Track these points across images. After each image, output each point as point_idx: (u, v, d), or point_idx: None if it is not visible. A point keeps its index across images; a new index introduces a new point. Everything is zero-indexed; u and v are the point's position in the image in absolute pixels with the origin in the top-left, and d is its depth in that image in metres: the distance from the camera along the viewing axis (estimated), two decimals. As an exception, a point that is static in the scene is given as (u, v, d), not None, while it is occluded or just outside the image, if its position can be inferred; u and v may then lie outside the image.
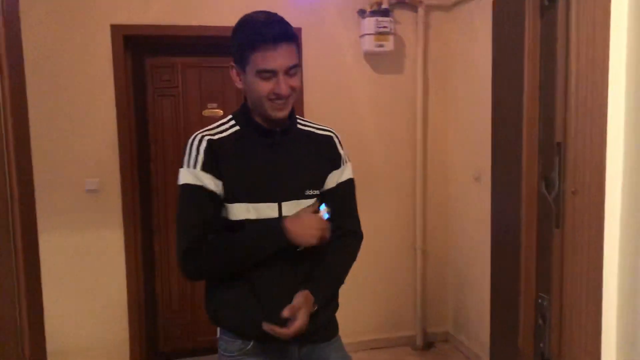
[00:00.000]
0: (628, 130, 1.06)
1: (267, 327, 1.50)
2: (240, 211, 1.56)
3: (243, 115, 1.63)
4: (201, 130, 1.61)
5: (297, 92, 1.56)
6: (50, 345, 1.65)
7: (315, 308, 1.52)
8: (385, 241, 3.80)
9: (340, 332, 1.75)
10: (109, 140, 3.33)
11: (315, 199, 1.62)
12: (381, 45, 3.55)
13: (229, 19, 1.70)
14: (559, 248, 1.06)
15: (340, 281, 1.69)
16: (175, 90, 3.54)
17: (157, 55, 3.50)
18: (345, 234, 1.71)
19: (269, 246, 1.54)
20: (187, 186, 1.55)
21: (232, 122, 1.63)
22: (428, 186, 3.88)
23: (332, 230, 1.63)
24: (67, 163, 3.30)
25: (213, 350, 3.46)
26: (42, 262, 1.54)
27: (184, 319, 3.68)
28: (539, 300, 1.10)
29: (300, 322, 1.49)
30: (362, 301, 3.81)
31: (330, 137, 1.71)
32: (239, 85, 1.57)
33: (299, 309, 1.51)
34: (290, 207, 1.60)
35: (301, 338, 1.63)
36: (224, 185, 1.56)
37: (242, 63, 1.52)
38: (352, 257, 1.73)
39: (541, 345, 1.11)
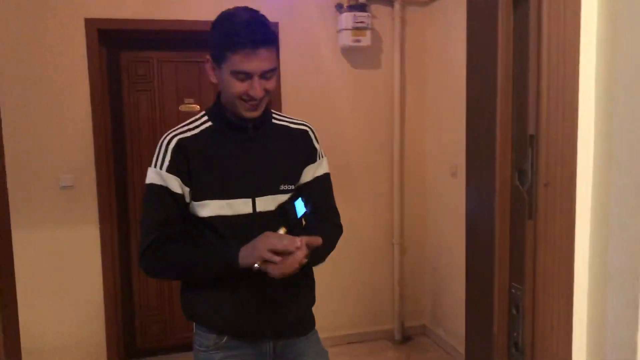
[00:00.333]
0: (598, 123, 1.08)
1: (267, 255, 1.46)
2: (214, 208, 1.56)
3: (216, 111, 1.62)
4: (174, 129, 1.60)
5: (271, 94, 1.56)
6: (25, 344, 1.63)
7: (304, 262, 1.50)
8: (363, 236, 3.82)
9: (319, 327, 1.76)
10: (84, 136, 3.29)
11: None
12: (358, 41, 3.56)
13: (205, 13, 1.69)
14: (532, 239, 1.07)
15: (327, 251, 1.67)
16: (151, 85, 3.51)
17: (133, 50, 3.46)
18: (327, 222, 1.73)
19: (218, 271, 1.54)
20: (152, 186, 1.56)
21: (205, 118, 1.62)
22: (405, 182, 3.91)
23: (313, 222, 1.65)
24: (41, 159, 3.25)
25: (190, 347, 3.45)
26: (16, 259, 1.52)
27: (161, 316, 3.66)
28: (512, 290, 1.12)
29: (301, 253, 1.47)
30: (341, 296, 3.83)
31: (306, 131, 1.71)
32: (213, 80, 1.56)
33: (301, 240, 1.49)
34: (264, 202, 1.60)
35: (276, 333, 1.64)
36: (196, 182, 1.56)
37: (218, 60, 1.51)
38: (335, 239, 1.73)
39: (515, 334, 1.13)
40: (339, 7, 3.60)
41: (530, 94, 1.05)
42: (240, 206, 1.58)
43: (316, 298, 1.74)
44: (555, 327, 1.08)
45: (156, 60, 3.49)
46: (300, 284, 1.67)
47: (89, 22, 3.22)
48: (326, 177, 1.73)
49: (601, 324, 1.10)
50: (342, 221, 1.77)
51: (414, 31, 3.82)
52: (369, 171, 3.84)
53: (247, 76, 1.48)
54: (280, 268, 1.45)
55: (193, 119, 1.63)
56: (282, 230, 1.53)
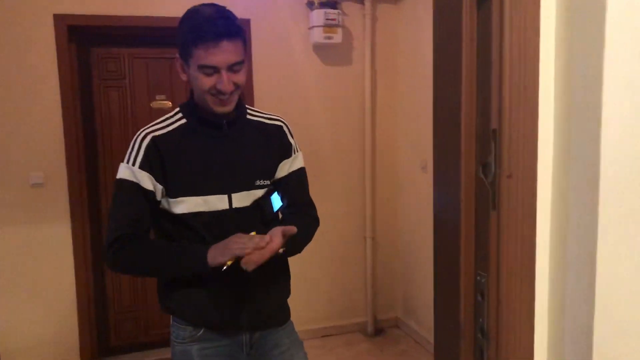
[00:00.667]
0: (557, 118, 1.14)
1: (239, 251, 1.46)
2: (189, 205, 1.57)
3: (190, 107, 1.63)
4: (148, 126, 1.61)
5: (242, 88, 1.56)
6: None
7: (281, 251, 1.51)
8: (335, 231, 3.87)
9: (294, 321, 1.79)
10: (54, 133, 3.25)
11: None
12: (330, 37, 3.60)
13: (175, 9, 1.70)
14: (496, 228, 1.13)
15: (304, 241, 1.69)
16: (122, 81, 3.48)
17: (103, 46, 3.44)
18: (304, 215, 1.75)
19: (186, 271, 1.55)
20: (123, 181, 1.56)
21: (179, 115, 1.63)
22: (377, 177, 3.96)
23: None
24: (10, 157, 3.21)
25: (165, 343, 3.44)
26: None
27: (135, 313, 3.64)
28: (478, 278, 1.17)
29: (276, 241, 1.48)
30: (314, 290, 3.87)
31: (280, 126, 1.73)
32: (183, 77, 1.57)
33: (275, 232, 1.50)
34: (240, 198, 1.62)
35: (252, 325, 1.67)
36: (171, 179, 1.56)
37: (185, 56, 1.52)
38: (312, 232, 1.75)
39: (480, 320, 1.18)
40: (310, 5, 3.63)
41: (492, 90, 1.10)
42: (216, 202, 1.59)
43: (291, 292, 1.78)
44: (518, 312, 1.14)
45: (127, 56, 3.47)
46: (276, 277, 1.70)
47: (58, 18, 3.19)
48: (302, 171, 1.76)
49: (561, 307, 1.15)
50: None
51: (385, 28, 3.87)
52: (341, 166, 3.88)
53: (214, 70, 1.48)
54: (252, 258, 1.44)
55: (167, 116, 1.64)
56: (253, 233, 1.53)
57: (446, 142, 1.21)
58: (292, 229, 1.51)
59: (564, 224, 1.14)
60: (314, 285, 3.86)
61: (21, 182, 3.23)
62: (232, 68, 1.50)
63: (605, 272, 1.08)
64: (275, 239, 1.47)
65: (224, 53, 1.47)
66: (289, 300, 1.79)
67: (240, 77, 1.54)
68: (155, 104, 3.53)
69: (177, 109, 1.65)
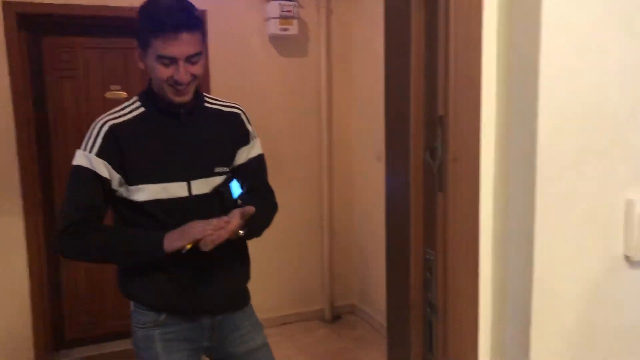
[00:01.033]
0: (499, 104, 1.22)
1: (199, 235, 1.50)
2: (149, 192, 1.59)
3: (148, 96, 1.64)
4: (106, 114, 1.62)
5: (199, 79, 1.59)
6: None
7: (241, 234, 1.55)
8: (292, 220, 3.92)
9: (254, 309, 1.84)
10: (6, 125, 3.18)
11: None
12: (286, 29, 3.63)
13: (131, -1, 1.71)
14: (442, 209, 1.20)
15: (263, 225, 1.73)
16: (76, 72, 3.43)
17: (56, 35, 3.37)
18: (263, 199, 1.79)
19: (141, 256, 1.58)
20: (79, 168, 1.57)
21: (138, 103, 1.65)
22: (333, 167, 4.03)
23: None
24: (-42, 148, 3.12)
25: (122, 335, 3.43)
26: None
27: (92, 305, 3.61)
28: (427, 256, 1.25)
29: (235, 222, 1.51)
30: (272, 279, 3.92)
31: (238, 114, 1.77)
32: (141, 66, 1.59)
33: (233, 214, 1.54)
34: (200, 185, 1.65)
35: (213, 309, 1.71)
36: (131, 168, 1.58)
37: (144, 46, 1.53)
38: (271, 216, 1.80)
39: (429, 295, 1.26)
40: (267, -4, 3.65)
41: (439, 80, 1.18)
42: (176, 190, 1.62)
43: (251, 281, 1.82)
44: (464, 286, 1.22)
45: (80, 46, 3.42)
46: (236, 261, 1.74)
47: (7, 5, 3.11)
48: (260, 157, 1.80)
49: (503, 280, 1.25)
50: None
51: (340, 21, 3.93)
52: (298, 157, 3.93)
53: (171, 61, 1.50)
54: (211, 237, 1.47)
55: (125, 104, 1.65)
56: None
57: (397, 129, 1.28)
58: (250, 209, 1.55)
59: (505, 204, 1.23)
60: (272, 274, 3.91)
61: (-29, 174, 3.15)
62: (190, 59, 1.53)
63: (542, 247, 1.17)
64: (234, 220, 1.51)
65: (182, 45, 1.49)
66: (248, 287, 1.84)
67: (197, 69, 1.56)
68: (109, 95, 3.49)
69: (136, 98, 1.66)
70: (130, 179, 1.58)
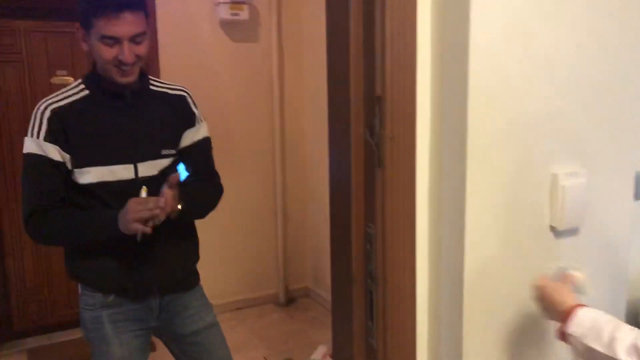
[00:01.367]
0: (433, 85, 1.29)
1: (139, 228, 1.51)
2: (95, 175, 1.59)
3: (92, 79, 1.63)
4: (48, 98, 1.60)
5: (144, 59, 1.59)
6: None
7: (179, 209, 1.56)
8: (246, 205, 3.94)
9: (207, 294, 1.86)
10: (-56, 110, 3.08)
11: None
12: (236, 14, 3.63)
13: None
14: (381, 184, 1.27)
15: (206, 205, 1.76)
16: (18, 56, 3.33)
17: (-4, 18, 3.27)
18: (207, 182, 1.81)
19: (102, 236, 1.58)
20: (30, 155, 1.57)
21: (82, 86, 1.63)
22: (286, 152, 4.07)
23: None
24: None
25: (74, 323, 3.38)
26: None
27: (40, 295, 3.54)
28: (367, 229, 1.31)
29: (167, 197, 1.52)
30: (226, 264, 3.94)
31: (184, 96, 1.78)
32: (85, 48, 1.57)
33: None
34: (147, 168, 1.66)
35: (162, 289, 1.73)
36: (75, 150, 1.58)
37: (86, 27, 1.52)
38: (215, 197, 1.82)
39: (370, 266, 1.32)
40: (216, -20, 3.63)
41: (376, 61, 1.23)
42: (122, 172, 1.62)
43: (204, 267, 1.84)
44: (402, 257, 1.29)
45: (23, 30, 3.32)
46: (184, 241, 1.76)
47: (-56, -13, 3.00)
48: (206, 140, 1.82)
49: (439, 251, 1.32)
50: (225, 191, 1.86)
51: (291, 6, 3.94)
52: (251, 143, 3.95)
53: (115, 41, 1.50)
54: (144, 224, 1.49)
55: (69, 87, 1.64)
56: (143, 192, 1.55)
57: (338, 109, 1.33)
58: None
59: (439, 178, 1.30)
60: (225, 259, 3.93)
61: None
62: (134, 39, 1.52)
63: (472, 219, 1.25)
64: (167, 196, 1.51)
65: (125, 24, 1.49)
66: (201, 271, 1.86)
67: (142, 49, 1.56)
68: (56, 80, 3.42)
69: (80, 80, 1.65)
70: (76, 162, 1.58)
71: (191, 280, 1.82)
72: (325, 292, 4.04)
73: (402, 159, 1.26)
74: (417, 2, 1.23)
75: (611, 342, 1.02)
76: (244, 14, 3.65)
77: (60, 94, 1.62)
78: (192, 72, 3.67)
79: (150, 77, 1.74)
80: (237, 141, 3.89)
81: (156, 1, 3.46)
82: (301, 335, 3.60)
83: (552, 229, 1.37)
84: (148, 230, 1.49)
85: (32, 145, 1.56)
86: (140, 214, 1.47)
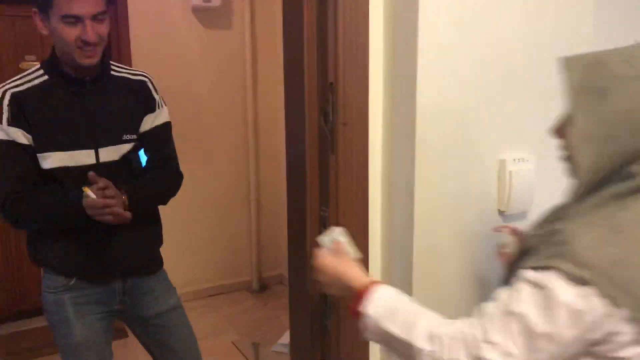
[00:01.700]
0: (386, 73, 1.32)
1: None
2: (55, 160, 1.60)
3: (51, 64, 1.63)
4: (6, 83, 1.60)
5: (105, 40, 1.59)
6: None
7: (127, 204, 1.58)
8: (220, 194, 3.95)
9: (179, 282, 1.88)
10: None
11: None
12: (208, 1, 3.62)
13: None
14: (335, 169, 1.30)
15: (157, 198, 1.78)
16: (-14, 40, 3.30)
17: (-39, 2, 3.22)
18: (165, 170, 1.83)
19: (71, 219, 1.58)
20: None
21: (41, 71, 1.63)
22: (260, 140, 4.08)
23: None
24: None
25: (42, 312, 3.38)
26: None
27: (9, 282, 3.53)
28: (321, 212, 1.35)
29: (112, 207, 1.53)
30: (200, 251, 3.95)
31: (144, 82, 1.78)
32: (44, 31, 1.56)
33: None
34: (108, 153, 1.66)
35: (124, 273, 1.75)
36: (36, 135, 1.58)
37: (45, 7, 1.51)
38: (171, 185, 1.83)
39: (324, 249, 1.36)
40: (188, -33, 3.61)
41: (329, 50, 1.26)
42: (83, 157, 1.63)
43: (178, 255, 1.86)
44: (355, 238, 1.32)
45: (-10, 14, 3.28)
46: (146, 225, 1.78)
47: None
48: (166, 125, 1.82)
49: (390, 232, 1.36)
50: (199, 180, 1.88)
51: (264, -6, 3.94)
52: (224, 131, 3.95)
53: (77, 19, 1.49)
54: (105, 219, 1.52)
55: (27, 72, 1.63)
56: (89, 192, 1.52)
57: (293, 95, 1.36)
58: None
59: (391, 162, 1.34)
60: (200, 247, 3.94)
61: None
62: (95, 17, 1.51)
63: (422, 202, 1.29)
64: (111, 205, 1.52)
65: (86, 2, 1.49)
66: (175, 258, 1.88)
67: (103, 28, 1.56)
68: (24, 65, 3.38)
69: (38, 66, 1.65)
70: (37, 146, 1.59)
71: (154, 263, 1.84)
72: (297, 279, 4.08)
73: (354, 145, 1.29)
74: (370, -8, 1.26)
75: (409, 326, 0.93)
76: (215, 1, 3.65)
77: (18, 79, 1.61)
78: (164, 59, 3.65)
79: (111, 62, 1.74)
80: (210, 129, 3.89)
81: (127, -14, 3.43)
82: (273, 322, 3.64)
83: (501, 213, 1.42)
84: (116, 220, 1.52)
85: None
86: (102, 217, 1.51)
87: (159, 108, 1.79)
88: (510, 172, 1.37)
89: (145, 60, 3.56)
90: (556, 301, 0.79)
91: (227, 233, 4.07)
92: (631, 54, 0.86)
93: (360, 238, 1.33)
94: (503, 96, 1.36)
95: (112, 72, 1.72)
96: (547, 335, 0.80)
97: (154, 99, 1.78)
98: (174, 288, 1.88)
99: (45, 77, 1.62)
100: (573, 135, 0.89)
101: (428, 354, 0.88)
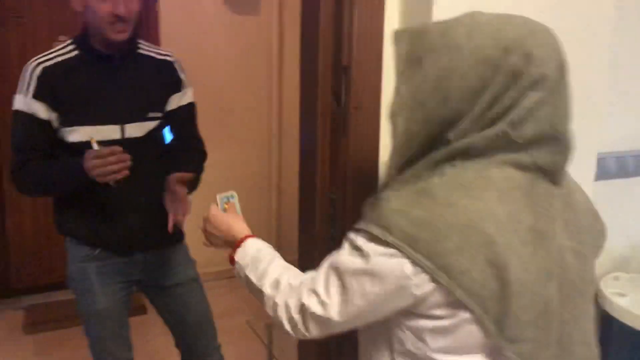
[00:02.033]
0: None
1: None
2: (82, 134, 1.65)
3: (82, 39, 1.68)
4: (38, 56, 1.66)
5: (136, 16, 1.63)
6: None
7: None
8: (241, 177, 3.98)
9: (200, 263, 1.93)
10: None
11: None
12: (237, -15, 3.64)
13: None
14: (345, 153, 1.32)
15: (198, 176, 1.83)
16: (21, 20, 3.38)
17: (-1, -20, 3.30)
18: (191, 150, 1.87)
19: (74, 183, 1.63)
20: (18, 112, 1.64)
21: (72, 46, 1.69)
22: (283, 126, 4.10)
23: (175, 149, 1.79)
24: None
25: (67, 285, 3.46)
26: None
27: (38, 254, 3.64)
28: (331, 195, 1.37)
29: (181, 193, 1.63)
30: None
31: (171, 62, 1.82)
32: (78, 7, 1.62)
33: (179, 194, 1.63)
34: (134, 129, 1.71)
35: (146, 245, 1.80)
36: (63, 109, 1.64)
37: None
38: (201, 163, 1.88)
39: (332, 230, 1.38)
40: (219, -49, 3.64)
41: (344, 32, 1.27)
42: (109, 132, 1.68)
43: (198, 237, 1.89)
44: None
45: (26, -8, 3.36)
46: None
47: (-51, -52, 3.04)
48: (191, 106, 1.87)
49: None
50: (221, 163, 1.93)
51: (293, -20, 3.94)
52: (248, 115, 3.98)
53: None
54: (102, 171, 1.52)
55: (59, 47, 1.69)
56: (94, 143, 1.56)
57: (308, 77, 1.38)
58: (189, 176, 1.64)
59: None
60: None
61: None
62: None
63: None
64: (180, 192, 1.61)
65: None
66: (195, 240, 1.91)
67: (135, 4, 1.60)
68: (57, 45, 3.46)
69: (70, 41, 1.70)
70: (64, 120, 1.64)
71: (174, 237, 1.88)
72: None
73: (365, 129, 1.31)
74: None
75: (263, 274, 1.07)
76: (245, -14, 3.66)
77: (50, 53, 1.67)
78: (191, 41, 3.69)
79: (140, 41, 1.79)
80: (234, 113, 3.92)
81: (158, -30, 3.48)
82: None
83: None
84: (117, 177, 1.53)
85: (20, 102, 1.63)
86: (97, 170, 1.51)
87: (184, 88, 1.83)
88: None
89: (173, 41, 3.60)
90: (365, 260, 0.85)
91: (247, 216, 4.09)
92: (448, 25, 0.89)
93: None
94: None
95: (140, 51, 1.77)
96: (357, 291, 0.87)
97: (179, 79, 1.82)
98: (194, 261, 1.93)
99: (76, 52, 1.67)
100: (395, 104, 0.92)
101: (268, 297, 1.02)
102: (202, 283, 1.95)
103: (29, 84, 1.62)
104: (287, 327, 0.98)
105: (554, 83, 0.84)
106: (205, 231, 1.31)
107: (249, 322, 3.35)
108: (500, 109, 0.84)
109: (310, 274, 0.99)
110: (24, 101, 1.62)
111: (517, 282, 0.82)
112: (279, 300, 0.99)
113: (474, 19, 0.87)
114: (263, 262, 1.11)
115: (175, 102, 1.81)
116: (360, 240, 0.87)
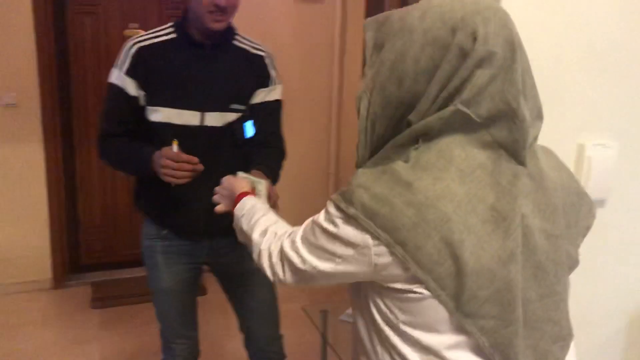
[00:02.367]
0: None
1: (163, 162, 1.61)
2: (164, 115, 1.71)
3: (181, 24, 1.74)
4: (139, 35, 1.74)
5: (237, 7, 1.67)
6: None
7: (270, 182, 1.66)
8: (300, 168, 4.00)
9: None
10: (26, 54, 3.29)
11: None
12: (302, -25, 3.65)
13: None
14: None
15: (278, 175, 1.86)
16: (96, 8, 3.52)
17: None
18: (270, 147, 1.88)
19: (140, 171, 1.74)
20: (112, 85, 1.73)
21: (171, 29, 1.75)
22: (342, 115, 4.11)
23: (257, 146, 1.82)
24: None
25: (133, 263, 3.61)
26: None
27: (106, 233, 3.81)
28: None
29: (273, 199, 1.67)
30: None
31: (263, 56, 1.85)
32: None
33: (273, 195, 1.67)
34: (213, 118, 1.74)
35: (210, 233, 1.83)
36: (150, 88, 1.70)
37: None
38: (281, 163, 1.90)
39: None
40: (285, -59, 3.65)
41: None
42: (189, 117, 1.72)
43: None
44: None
45: (100, -18, 3.50)
46: None
47: (31, -60, 3.19)
48: (277, 103, 1.89)
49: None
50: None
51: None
52: (308, 104, 4.00)
53: None
54: (170, 173, 1.58)
55: (160, 28, 1.77)
56: (175, 145, 1.61)
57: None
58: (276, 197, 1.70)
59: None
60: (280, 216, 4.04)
61: (-7, 101, 3.31)
62: None
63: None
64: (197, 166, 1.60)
65: None
66: None
67: None
68: (128, 33, 3.58)
69: (171, 23, 1.77)
70: (149, 99, 1.72)
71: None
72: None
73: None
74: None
75: (254, 224, 1.19)
76: (310, -26, 3.67)
77: (149, 33, 1.75)
78: (254, 29, 3.68)
79: (237, 33, 1.82)
80: (294, 102, 3.93)
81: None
82: (344, 292, 3.63)
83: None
84: (179, 182, 1.59)
85: (114, 76, 1.73)
86: (166, 170, 1.57)
87: (273, 84, 1.85)
88: (589, 157, 1.32)
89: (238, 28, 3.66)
90: (335, 226, 0.92)
91: (305, 204, 4.13)
92: (407, 10, 0.91)
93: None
94: (584, 78, 1.30)
95: (235, 42, 1.81)
96: (328, 250, 0.94)
97: (269, 75, 1.84)
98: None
99: (173, 35, 1.74)
100: (361, 88, 0.95)
101: (255, 244, 1.14)
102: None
103: (124, 61, 1.71)
104: (268, 272, 1.08)
105: (503, 60, 0.85)
106: (216, 193, 1.48)
107: (304, 308, 3.39)
108: (452, 88, 0.85)
109: (295, 228, 1.08)
110: (117, 75, 1.71)
111: (473, 259, 0.84)
112: (264, 246, 1.10)
113: (429, 2, 0.89)
114: (256, 215, 1.24)
115: (261, 96, 1.83)
116: (331, 208, 0.93)
